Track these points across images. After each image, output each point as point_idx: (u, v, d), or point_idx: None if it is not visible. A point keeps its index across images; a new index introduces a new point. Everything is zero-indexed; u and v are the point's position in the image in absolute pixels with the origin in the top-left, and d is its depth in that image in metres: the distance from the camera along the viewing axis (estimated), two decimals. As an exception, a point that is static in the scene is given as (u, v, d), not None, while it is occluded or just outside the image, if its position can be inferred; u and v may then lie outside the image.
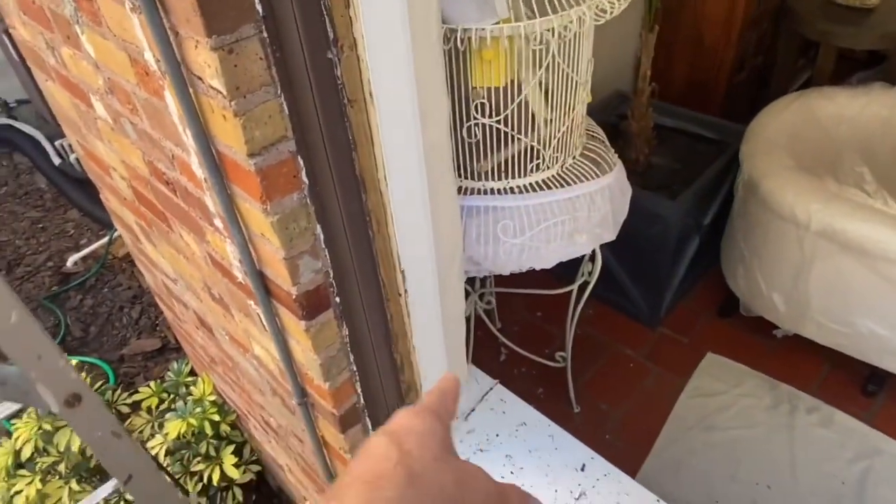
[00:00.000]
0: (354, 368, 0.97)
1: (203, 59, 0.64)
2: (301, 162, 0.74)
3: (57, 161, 3.16)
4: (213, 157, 0.76)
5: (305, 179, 0.76)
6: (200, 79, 0.67)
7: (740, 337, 2.02)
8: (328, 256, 0.83)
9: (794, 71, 2.64)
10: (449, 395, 0.37)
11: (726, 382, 1.91)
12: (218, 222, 0.90)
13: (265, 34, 0.64)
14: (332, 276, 0.86)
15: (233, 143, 0.71)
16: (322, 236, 0.81)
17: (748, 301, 1.90)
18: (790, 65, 2.49)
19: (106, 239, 2.81)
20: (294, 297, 0.84)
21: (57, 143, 3.17)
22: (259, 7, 0.62)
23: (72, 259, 2.78)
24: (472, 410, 1.23)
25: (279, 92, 0.68)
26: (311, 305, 0.87)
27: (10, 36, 2.73)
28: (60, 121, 1.39)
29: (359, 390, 1.00)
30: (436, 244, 0.92)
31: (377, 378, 0.99)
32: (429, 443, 0.33)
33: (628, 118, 2.01)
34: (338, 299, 0.89)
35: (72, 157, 3.09)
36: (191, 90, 0.70)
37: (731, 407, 1.84)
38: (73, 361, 2.00)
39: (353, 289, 0.88)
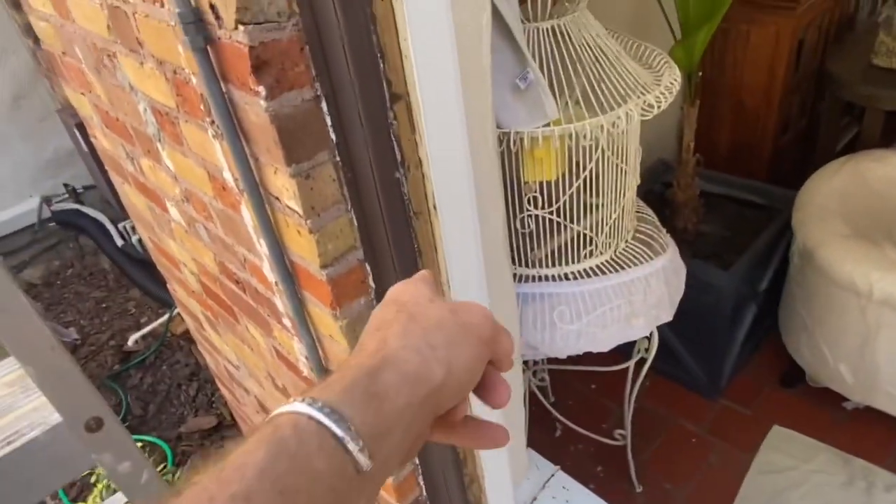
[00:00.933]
0: (417, 463, 0.97)
1: (281, 183, 0.69)
2: (368, 268, 0.78)
3: (120, 242, 3.33)
4: (286, 265, 0.80)
5: (372, 284, 0.79)
6: (278, 199, 0.72)
7: (806, 408, 1.94)
8: (393, 355, 0.86)
9: (840, 129, 2.62)
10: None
11: (796, 457, 1.82)
12: (287, 322, 0.94)
13: (338, 158, 0.69)
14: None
15: (306, 255, 0.75)
16: (387, 336, 0.84)
17: (814, 372, 1.84)
18: (835, 125, 2.47)
19: (165, 317, 2.91)
20: (360, 395, 0.86)
21: (120, 225, 3.34)
22: (333, 135, 0.67)
23: (133, 338, 2.89)
24: (534, 500, 1.20)
25: (350, 208, 0.72)
26: (376, 402, 0.88)
27: (80, 128, 2.94)
28: (133, 217, 1.49)
29: (422, 484, 1.00)
30: (495, 336, 0.94)
31: (440, 472, 0.99)
32: (421, 292, 0.40)
33: (674, 187, 2.02)
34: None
35: (134, 239, 3.25)
36: (268, 207, 0.75)
37: (803, 484, 1.75)
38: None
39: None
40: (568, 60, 0.96)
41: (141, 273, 3.19)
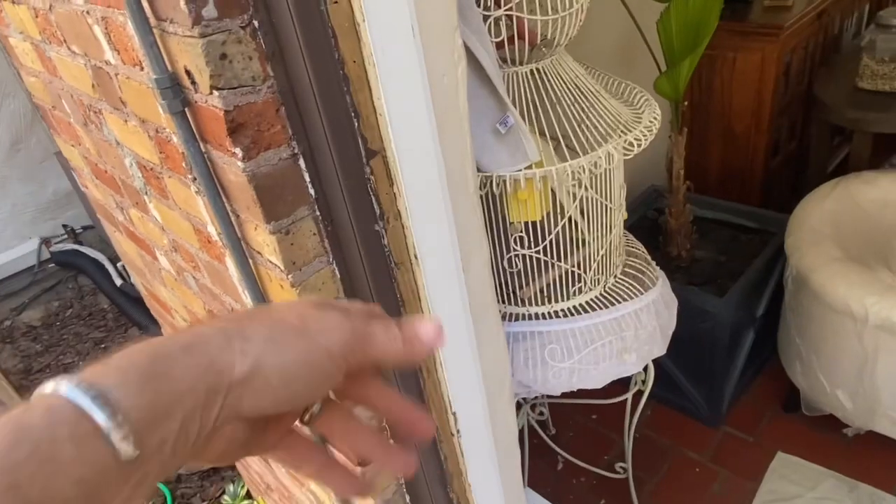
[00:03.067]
0: (408, 501, 0.96)
1: (262, 239, 0.70)
2: (352, 319, 0.78)
3: (119, 282, 3.34)
4: (271, 317, 0.80)
5: (357, 335, 0.79)
6: (260, 253, 0.73)
7: (810, 433, 1.92)
8: (381, 403, 0.85)
9: (832, 150, 2.63)
10: None
11: (801, 485, 1.79)
12: (274, 370, 0.93)
13: (318, 213, 0.69)
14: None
15: (289, 307, 0.75)
16: (374, 384, 0.84)
17: (812, 398, 1.82)
18: (825, 147, 2.49)
19: (164, 357, 2.90)
20: (349, 443, 0.86)
21: (119, 264, 3.35)
22: (312, 191, 0.68)
23: (132, 378, 2.87)
24: (533, 541, 1.18)
25: (331, 260, 0.73)
26: (366, 451, 0.88)
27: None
28: (126, 264, 1.49)
29: (415, 530, 0.99)
30: (484, 379, 0.93)
31: (433, 517, 0.98)
32: (304, 302, 0.37)
33: (666, 214, 2.03)
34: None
35: (132, 279, 3.26)
36: (250, 261, 0.76)
37: (809, 513, 1.72)
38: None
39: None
40: (548, 102, 0.97)
41: (139, 312, 3.19)
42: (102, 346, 3.22)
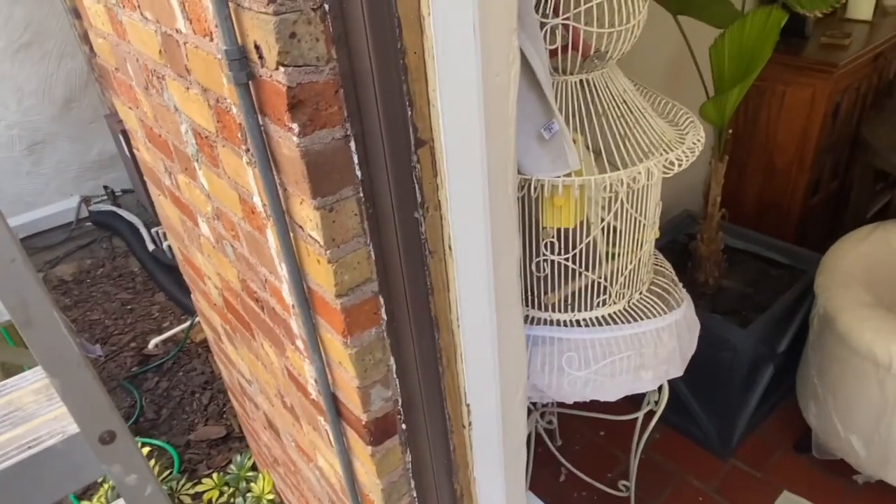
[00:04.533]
0: (415, 495, 0.98)
1: (306, 213, 0.72)
2: (382, 301, 0.80)
3: (151, 247, 3.42)
4: (304, 290, 0.83)
5: (384, 316, 0.81)
6: (301, 227, 0.76)
7: (819, 476, 1.89)
8: (398, 387, 0.88)
9: (873, 195, 2.59)
10: None
11: (804, 527, 1.77)
12: (300, 343, 0.96)
13: (362, 195, 0.72)
14: (400, 405, 0.90)
15: (323, 283, 0.78)
16: (395, 368, 0.86)
17: (824, 441, 1.80)
18: (868, 190, 2.45)
19: (187, 324, 2.96)
20: (364, 422, 0.88)
21: (153, 230, 3.44)
22: (358, 172, 0.71)
23: (153, 341, 2.95)
24: (529, 543, 1.20)
25: (368, 242, 0.75)
26: (378, 431, 0.90)
27: (125, 135, 3.06)
28: (165, 228, 1.54)
29: (417, 517, 1.01)
30: (501, 377, 0.95)
31: (436, 506, 1.00)
32: None
33: (697, 240, 2.02)
34: (404, 426, 0.92)
35: (164, 245, 3.34)
36: (291, 234, 0.79)
37: (810, 555, 1.70)
38: (142, 446, 2.08)
39: (419, 419, 0.91)
40: (594, 113, 0.99)
41: (168, 279, 3.27)
42: (129, 307, 3.31)
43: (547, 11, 0.91)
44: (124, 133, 3.06)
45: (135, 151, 1.42)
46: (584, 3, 0.90)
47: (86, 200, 3.72)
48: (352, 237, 0.74)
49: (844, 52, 2.18)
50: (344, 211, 0.72)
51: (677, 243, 2.22)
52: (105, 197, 3.71)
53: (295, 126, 0.65)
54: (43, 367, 0.48)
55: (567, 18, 0.90)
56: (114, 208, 3.70)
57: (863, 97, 2.40)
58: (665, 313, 1.17)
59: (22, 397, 0.56)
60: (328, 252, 0.73)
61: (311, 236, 0.74)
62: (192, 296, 1.65)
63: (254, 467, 1.97)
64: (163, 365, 2.84)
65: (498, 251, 0.82)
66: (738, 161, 2.44)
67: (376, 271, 0.78)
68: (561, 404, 1.70)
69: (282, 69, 0.62)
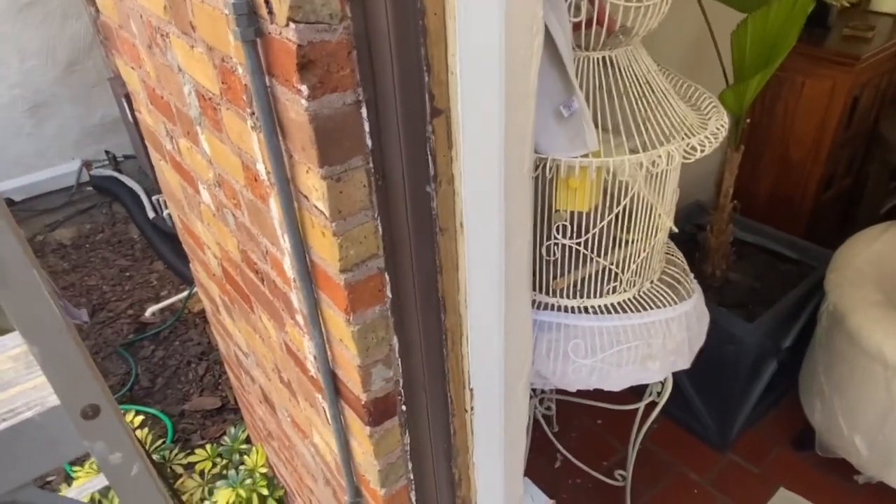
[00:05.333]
0: (412, 478, 0.96)
1: (312, 183, 0.69)
2: (387, 278, 0.77)
3: (151, 215, 3.38)
4: (306, 264, 0.80)
5: (389, 294, 0.78)
6: (306, 197, 0.72)
7: (817, 474, 1.88)
8: (400, 367, 0.85)
9: (887, 193, 2.55)
10: None
11: (799, 524, 1.76)
12: (300, 318, 0.93)
13: (371, 165, 0.68)
14: (401, 385, 0.87)
15: (327, 256, 0.75)
16: (397, 347, 0.83)
17: (826, 439, 1.78)
18: (882, 188, 2.41)
19: (185, 294, 2.94)
20: (363, 402, 0.86)
21: (154, 197, 3.40)
22: (369, 142, 0.67)
23: (150, 310, 2.92)
24: (525, 530, 1.18)
25: (376, 216, 0.72)
26: (377, 412, 0.87)
27: (128, 99, 3.00)
28: (165, 195, 1.50)
29: (413, 500, 0.99)
30: (506, 362, 0.92)
31: (433, 490, 0.97)
32: None
33: (707, 230, 1.99)
34: (404, 408, 0.89)
35: (165, 213, 3.30)
36: (295, 204, 0.75)
37: (804, 553, 1.69)
38: (136, 414, 2.07)
39: (420, 401, 0.88)
40: (615, 93, 0.95)
41: (167, 247, 3.24)
42: (127, 274, 3.28)
43: (572, -18, 0.87)
44: (127, 97, 3.01)
45: (136, 114, 1.37)
46: (612, -25, 0.86)
47: (87, 165, 3.67)
48: (359, 210, 0.70)
49: (867, 45, 2.13)
50: (352, 181, 0.68)
51: (685, 233, 2.18)
52: (106, 162, 3.67)
53: (304, 88, 0.61)
54: (20, 331, 0.44)
55: (593, -10, 0.86)
56: (115, 174, 3.66)
57: (882, 93, 2.34)
58: (675, 303, 1.13)
59: (-1, 363, 0.53)
60: (334, 224, 0.69)
61: (316, 207, 0.71)
62: (190, 265, 1.62)
63: (248, 440, 1.96)
64: (159, 334, 2.82)
65: (510, 231, 0.79)
66: (754, 152, 2.39)
67: (383, 247, 0.74)
68: (561, 391, 1.68)
69: (292, 26, 0.58)
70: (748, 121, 1.79)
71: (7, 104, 3.42)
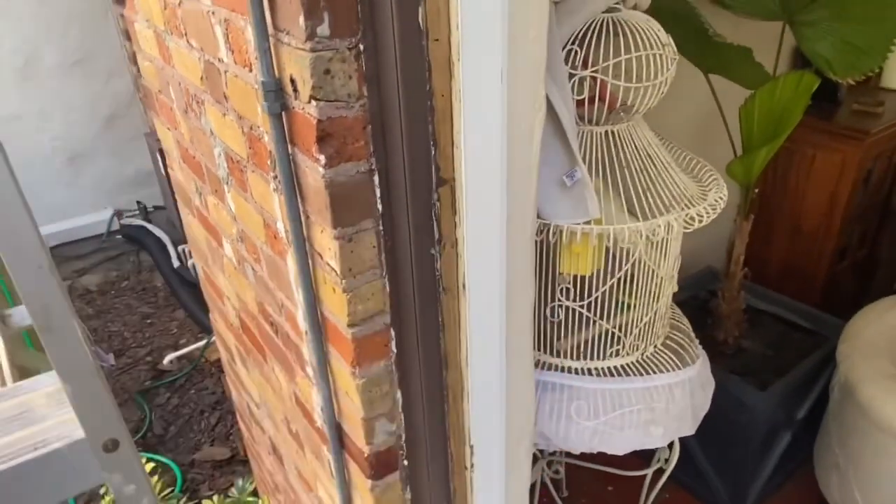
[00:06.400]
0: (412, 534, 0.97)
1: (326, 242, 0.74)
2: (393, 334, 0.81)
3: (176, 264, 3.48)
4: (318, 318, 0.85)
5: (394, 350, 0.82)
6: (320, 255, 0.77)
7: (834, 553, 1.82)
8: (403, 422, 0.88)
9: (902, 265, 2.55)
10: None
11: None
12: (309, 370, 0.97)
13: (381, 228, 0.73)
14: (403, 440, 0.89)
15: (337, 311, 0.79)
16: (401, 402, 0.86)
17: (843, 514, 1.73)
18: (897, 259, 2.41)
19: (203, 342, 2.99)
20: (366, 455, 0.88)
21: (180, 247, 3.51)
22: (379, 206, 0.72)
23: (168, 357, 2.97)
24: None
25: (384, 274, 0.76)
26: (380, 466, 0.90)
27: (161, 154, 3.15)
28: (191, 247, 1.58)
29: (412, 558, 0.99)
30: (507, 420, 0.94)
31: (432, 548, 0.98)
32: None
33: (718, 297, 2.00)
34: (406, 462, 0.91)
35: (189, 263, 3.40)
36: (310, 261, 0.80)
37: None
38: (147, 461, 2.09)
39: (421, 456, 0.90)
40: (617, 165, 1.00)
41: (189, 296, 3.31)
42: (148, 321, 3.35)
43: (577, 63, 0.93)
44: (161, 152, 3.15)
45: (169, 170, 1.46)
46: (613, 58, 0.92)
47: (118, 214, 3.82)
48: (368, 268, 0.75)
49: (877, 120, 2.17)
50: (362, 242, 0.73)
51: (698, 299, 2.19)
52: (137, 212, 3.80)
53: (322, 157, 0.67)
54: (57, 371, 0.49)
55: (596, 71, 0.92)
56: (144, 223, 3.79)
57: (894, 166, 2.38)
58: (679, 369, 1.15)
59: (35, 399, 0.58)
60: (344, 281, 0.74)
61: (329, 264, 0.76)
62: (210, 315, 1.68)
63: (255, 492, 1.96)
64: (176, 381, 2.86)
65: (512, 293, 0.83)
66: (765, 221, 2.42)
67: (389, 304, 0.79)
68: (569, 454, 1.67)
69: (314, 103, 0.64)
70: (757, 191, 1.83)
71: (48, 155, 3.60)
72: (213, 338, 2.94)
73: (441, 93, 0.65)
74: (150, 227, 3.76)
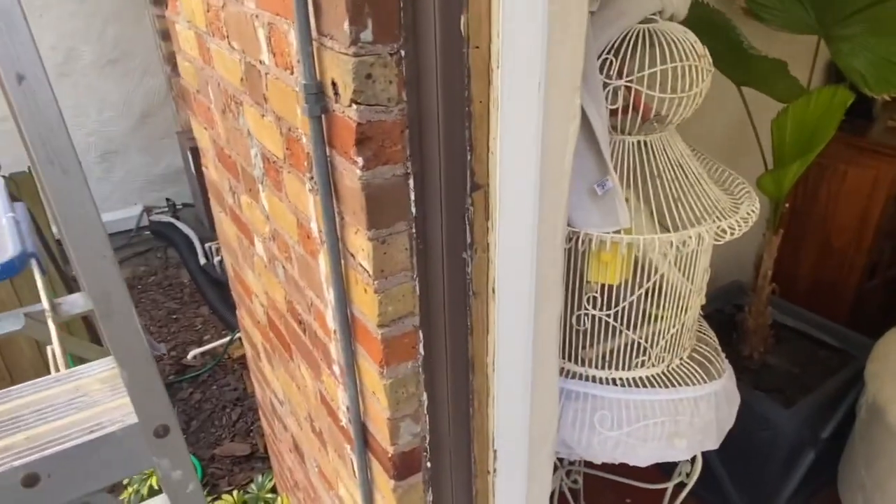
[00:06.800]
0: (430, 537, 0.97)
1: (360, 243, 0.75)
2: (421, 335, 0.82)
3: (202, 261, 3.54)
4: (347, 317, 0.86)
5: (422, 351, 0.83)
6: (353, 256, 0.78)
7: (857, 577, 1.78)
8: (428, 424, 0.88)
9: (935, 286, 2.49)
10: None
11: None
12: (336, 369, 0.98)
13: (414, 231, 0.74)
14: (427, 442, 0.90)
15: (367, 311, 0.80)
16: (426, 403, 0.87)
17: (868, 537, 1.70)
18: (930, 280, 2.36)
19: (227, 339, 3.03)
20: (390, 455, 0.89)
21: (206, 245, 3.56)
22: (413, 209, 0.73)
23: (192, 353, 3.02)
24: None
25: (415, 277, 0.77)
26: (403, 466, 0.91)
27: (193, 152, 3.21)
28: (221, 244, 1.60)
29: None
30: (531, 426, 0.95)
31: (452, 551, 0.98)
32: None
33: (745, 311, 1.98)
34: (429, 465, 0.92)
35: (215, 260, 3.45)
36: (342, 262, 0.82)
37: None
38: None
39: (444, 459, 0.91)
40: (648, 175, 1.00)
41: (214, 293, 3.37)
42: (174, 316, 3.41)
43: (611, 73, 0.94)
44: (193, 150, 3.21)
45: (203, 169, 1.49)
46: (649, 69, 0.92)
47: (147, 210, 3.89)
48: (400, 270, 0.76)
49: (912, 137, 2.14)
50: (395, 244, 0.74)
51: (724, 313, 2.17)
52: (166, 209, 3.87)
53: (360, 160, 0.68)
54: (115, 357, 0.51)
55: (630, 81, 0.93)
56: (173, 220, 3.86)
57: (929, 184, 2.33)
58: (705, 382, 1.14)
59: (89, 384, 0.60)
60: (376, 282, 0.75)
61: (361, 265, 0.77)
62: (237, 312, 1.70)
63: (273, 489, 1.98)
64: (198, 377, 2.90)
65: (541, 299, 0.83)
66: (794, 236, 2.39)
67: (419, 306, 0.79)
68: (588, 464, 1.66)
69: (354, 106, 0.65)
70: (787, 205, 1.81)
71: (82, 150, 3.69)
72: (237, 334, 2.98)
73: (479, 99, 0.66)
74: (178, 223, 3.82)
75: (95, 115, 3.65)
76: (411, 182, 0.72)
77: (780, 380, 1.93)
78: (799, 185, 2.30)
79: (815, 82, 2.28)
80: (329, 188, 0.76)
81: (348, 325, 0.86)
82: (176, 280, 3.77)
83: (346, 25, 0.61)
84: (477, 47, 0.63)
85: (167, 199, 3.89)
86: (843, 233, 2.27)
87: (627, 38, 0.94)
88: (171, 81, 3.62)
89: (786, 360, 2.00)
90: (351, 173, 0.70)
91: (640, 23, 0.95)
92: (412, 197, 0.73)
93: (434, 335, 0.81)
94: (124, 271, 3.78)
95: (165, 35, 3.47)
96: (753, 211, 1.03)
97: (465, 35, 0.61)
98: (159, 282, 3.76)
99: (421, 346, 0.82)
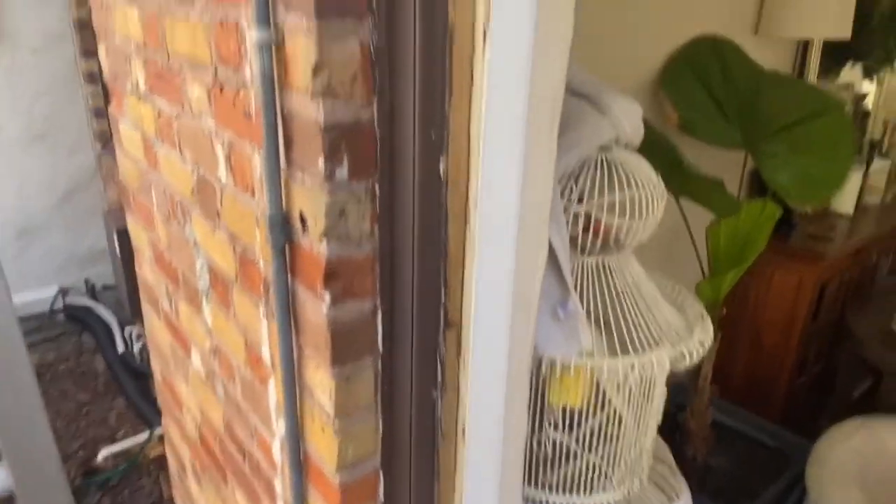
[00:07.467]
0: None
1: (320, 379, 0.70)
2: (382, 478, 0.76)
3: (121, 349, 3.30)
4: (299, 455, 0.78)
5: (381, 497, 0.76)
6: (311, 392, 0.72)
7: None
8: (385, 573, 0.80)
9: (858, 378, 2.61)
10: None
11: None
12: (281, 505, 0.90)
13: (380, 367, 0.70)
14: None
15: (324, 452, 0.73)
16: (384, 552, 0.79)
17: None
18: (852, 374, 2.47)
19: (144, 438, 2.79)
20: None
21: (126, 330, 3.34)
22: (380, 346, 0.69)
23: (103, 453, 2.75)
24: None
25: (378, 415, 0.72)
26: None
27: (119, 234, 3.06)
28: (150, 346, 1.49)
29: None
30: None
31: None
32: None
33: (686, 412, 1.99)
34: None
35: (135, 348, 3.23)
36: (297, 395, 0.75)
37: None
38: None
39: None
40: (607, 297, 1.00)
41: (132, 384, 3.13)
42: (84, 410, 3.12)
43: (572, 197, 0.95)
44: (120, 232, 3.06)
45: (137, 268, 1.40)
46: (608, 195, 0.94)
47: (63, 292, 3.63)
48: (363, 408, 0.71)
49: (830, 245, 2.29)
50: (360, 381, 0.69)
51: (666, 414, 2.18)
52: (84, 291, 3.64)
53: (327, 295, 0.64)
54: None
55: (591, 208, 0.94)
56: (90, 303, 3.62)
57: (846, 285, 2.49)
58: (664, 505, 1.11)
59: None
60: (337, 422, 0.69)
61: (319, 403, 0.71)
62: (163, 419, 1.56)
63: None
64: (109, 480, 2.63)
65: (509, 433, 0.79)
66: (727, 336, 2.46)
67: (381, 447, 0.74)
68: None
69: (324, 241, 0.62)
70: (724, 311, 1.87)
71: (-3, 226, 3.45)
72: (157, 430, 2.75)
73: (455, 240, 0.64)
74: (96, 306, 3.59)
75: (14, 193, 3.46)
76: (379, 317, 0.68)
77: (724, 482, 1.93)
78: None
79: (746, 189, 2.43)
80: (288, 318, 0.71)
81: (300, 464, 0.79)
82: (89, 368, 3.48)
83: (320, 162, 0.59)
84: (455, 189, 0.62)
85: (86, 281, 3.66)
86: (773, 333, 2.36)
87: (585, 165, 0.96)
88: (101, 160, 3.49)
89: (728, 462, 2.01)
90: (316, 307, 0.66)
91: (598, 150, 0.97)
92: (380, 332, 0.68)
93: (398, 478, 0.75)
94: (32, 358, 3.47)
95: (99, 112, 3.37)
96: (709, 336, 1.05)
97: (443, 178, 0.60)
98: (71, 369, 3.46)
99: (381, 490, 0.75)
